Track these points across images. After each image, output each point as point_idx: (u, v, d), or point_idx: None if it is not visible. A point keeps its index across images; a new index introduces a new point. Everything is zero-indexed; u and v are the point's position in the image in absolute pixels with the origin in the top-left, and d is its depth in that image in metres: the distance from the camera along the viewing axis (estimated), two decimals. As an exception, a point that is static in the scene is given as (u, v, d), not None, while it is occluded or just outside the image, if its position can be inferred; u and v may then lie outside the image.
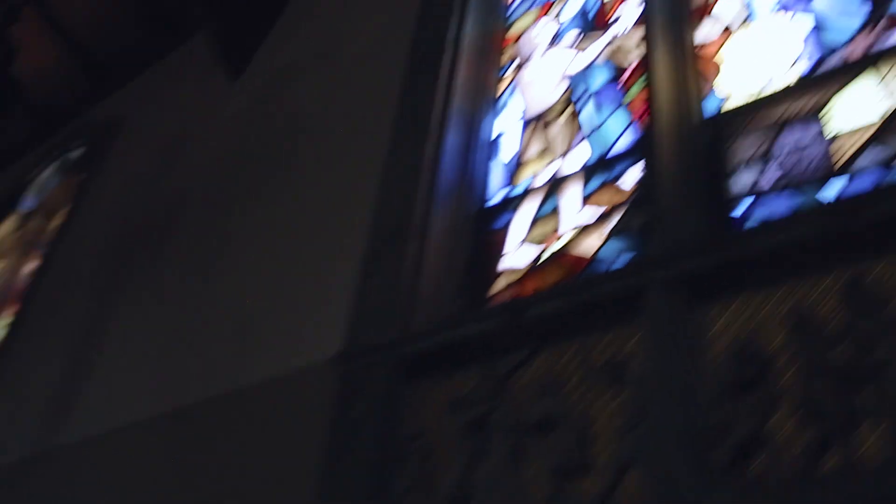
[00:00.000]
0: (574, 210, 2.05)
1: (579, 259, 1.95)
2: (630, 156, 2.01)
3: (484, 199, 2.34)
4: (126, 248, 3.30)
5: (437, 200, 2.20)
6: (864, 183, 1.49)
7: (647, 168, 1.86)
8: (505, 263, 2.14)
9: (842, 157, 1.56)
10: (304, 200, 2.58)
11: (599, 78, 2.29)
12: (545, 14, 2.69)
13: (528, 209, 2.20)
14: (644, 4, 2.19)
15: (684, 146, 1.74)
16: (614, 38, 2.35)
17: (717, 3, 2.14)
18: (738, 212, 1.66)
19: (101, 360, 2.91)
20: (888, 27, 1.69)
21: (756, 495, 1.16)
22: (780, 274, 1.33)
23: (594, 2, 2.54)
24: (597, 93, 2.26)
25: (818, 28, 1.84)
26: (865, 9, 1.77)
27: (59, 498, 2.56)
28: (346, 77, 2.88)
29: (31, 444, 2.86)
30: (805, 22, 1.88)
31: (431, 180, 2.23)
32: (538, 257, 2.05)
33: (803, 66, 1.81)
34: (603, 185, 2.03)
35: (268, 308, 2.37)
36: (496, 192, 2.34)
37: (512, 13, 2.83)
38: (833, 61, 1.75)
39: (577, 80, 2.35)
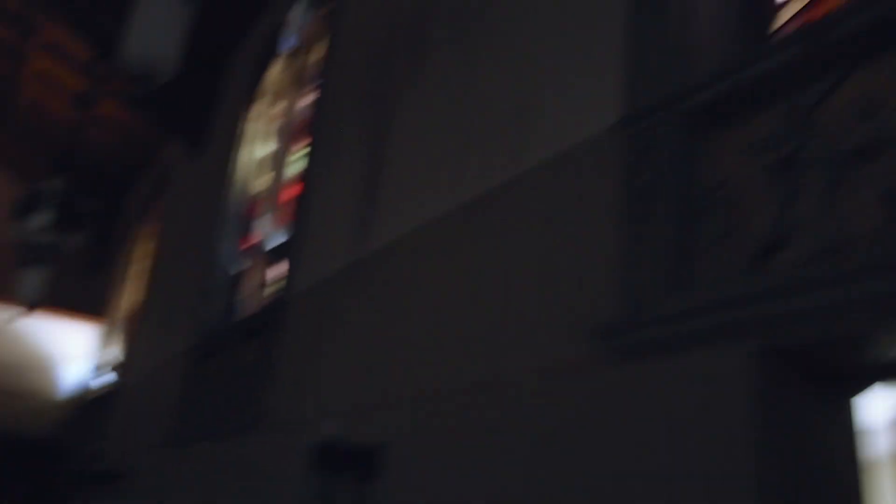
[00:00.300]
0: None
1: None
2: None
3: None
4: (389, 62, 3.43)
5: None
6: None
7: None
8: (786, -9, 1.87)
9: None
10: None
11: None
12: None
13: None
14: None
15: None
16: None
17: None
18: None
19: (391, 169, 3.13)
20: None
21: None
22: None
23: None
24: None
25: None
26: None
27: (378, 298, 2.88)
28: None
29: (344, 256, 3.22)
30: None
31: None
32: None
33: None
34: None
35: (539, 86, 2.34)
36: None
37: None
38: None
39: None
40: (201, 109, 6.49)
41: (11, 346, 7.28)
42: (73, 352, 7.49)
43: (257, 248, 4.93)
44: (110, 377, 6.91)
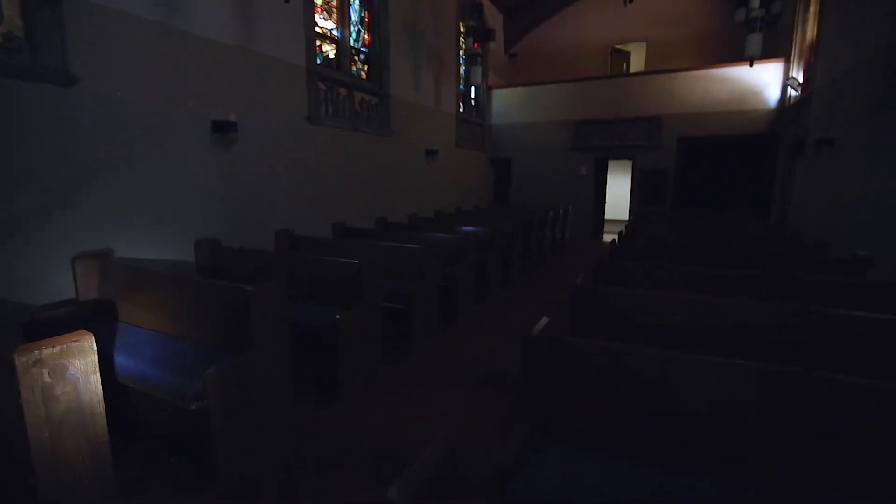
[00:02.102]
0: None
1: None
2: None
3: None
4: None
5: None
6: None
7: None
8: None
9: None
10: None
11: None
12: None
13: None
14: None
15: None
16: None
17: None
18: None
19: None
20: None
21: None
22: None
23: None
24: None
25: None
26: None
27: None
28: None
29: None
30: None
31: None
32: None
33: None
34: None
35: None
36: None
37: None
38: None
39: None
40: None
41: (737, 86, 10.00)
42: (771, 81, 9.77)
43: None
44: (795, 92, 8.56)
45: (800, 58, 8.96)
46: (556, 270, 8.51)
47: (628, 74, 11.79)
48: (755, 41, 7.25)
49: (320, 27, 6.76)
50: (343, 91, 6.97)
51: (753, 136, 10.06)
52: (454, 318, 5.27)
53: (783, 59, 9.49)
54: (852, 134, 5.76)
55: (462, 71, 10.79)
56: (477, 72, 9.12)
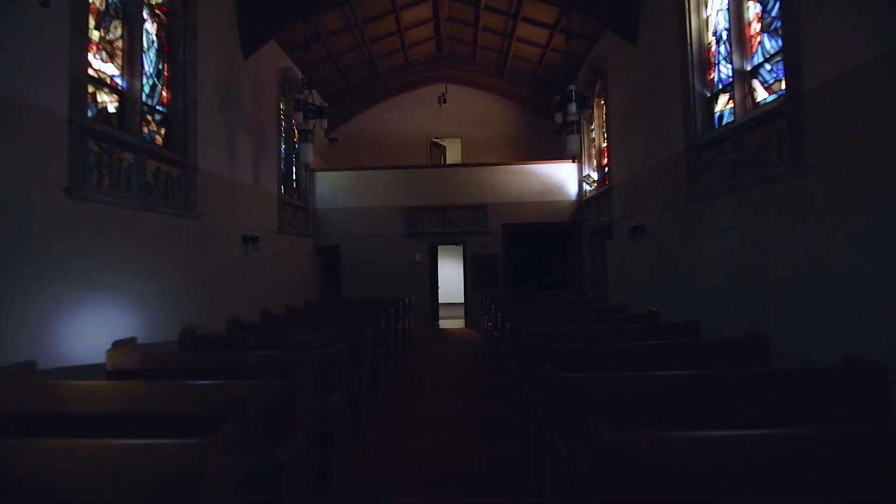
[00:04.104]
0: None
1: None
2: None
3: None
4: None
5: None
6: None
7: None
8: None
9: None
10: None
11: None
12: None
13: None
14: None
15: None
16: None
17: None
18: None
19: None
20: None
21: None
22: None
23: None
24: None
25: None
26: None
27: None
28: None
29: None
30: None
31: None
32: None
33: None
34: None
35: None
36: None
37: None
38: None
39: None
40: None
41: (545, 181, 11.03)
42: (569, 178, 10.98)
43: (737, 73, 4.88)
44: (590, 187, 10.22)
45: (590, 159, 10.48)
46: (418, 371, 7.30)
47: (454, 165, 12.17)
48: (574, 141, 8.04)
49: (95, 69, 4.78)
50: (129, 157, 4.96)
51: (562, 223, 11.09)
52: (330, 476, 3.47)
53: (576, 159, 10.92)
54: (661, 221, 6.55)
55: (282, 149, 9.47)
56: (307, 149, 7.90)
